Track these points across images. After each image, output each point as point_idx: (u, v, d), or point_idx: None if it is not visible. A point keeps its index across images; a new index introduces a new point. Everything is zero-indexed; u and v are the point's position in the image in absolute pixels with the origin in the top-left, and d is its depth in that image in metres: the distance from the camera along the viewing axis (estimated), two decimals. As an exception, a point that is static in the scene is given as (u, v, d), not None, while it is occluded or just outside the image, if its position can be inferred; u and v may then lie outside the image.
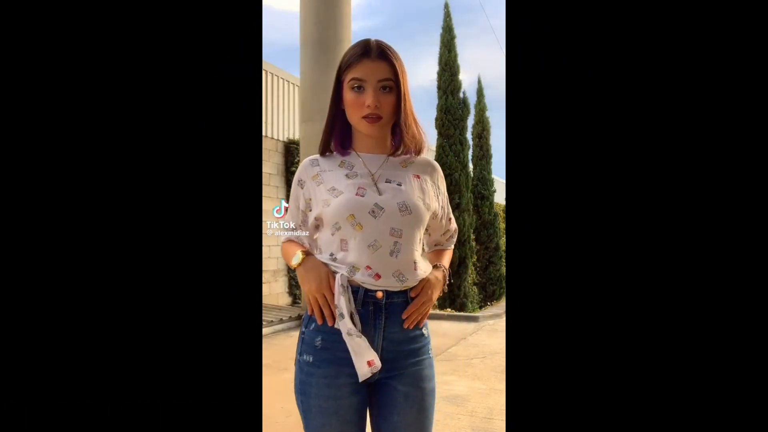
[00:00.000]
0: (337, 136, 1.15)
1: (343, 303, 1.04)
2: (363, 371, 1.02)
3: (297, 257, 1.11)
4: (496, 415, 2.87)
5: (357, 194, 1.07)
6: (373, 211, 1.05)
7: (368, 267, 1.05)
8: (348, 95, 1.08)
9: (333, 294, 1.05)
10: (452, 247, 1.32)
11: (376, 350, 1.05)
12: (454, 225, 1.30)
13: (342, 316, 1.03)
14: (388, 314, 1.07)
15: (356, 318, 1.05)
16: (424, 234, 1.19)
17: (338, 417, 1.05)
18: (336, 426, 1.05)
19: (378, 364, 1.03)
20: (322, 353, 1.07)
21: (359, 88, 1.06)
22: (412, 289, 1.11)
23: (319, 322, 1.07)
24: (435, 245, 1.30)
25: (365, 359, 1.02)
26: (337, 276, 1.06)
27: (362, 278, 1.06)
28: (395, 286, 1.07)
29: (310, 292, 1.07)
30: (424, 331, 1.14)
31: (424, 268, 1.14)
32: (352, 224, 1.06)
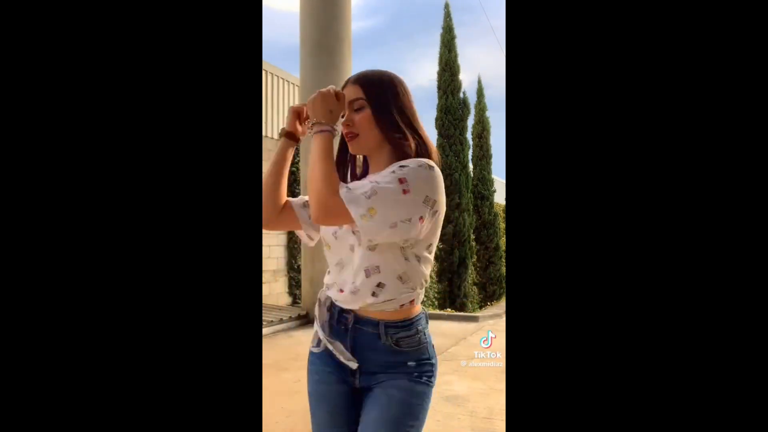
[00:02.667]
0: (340, 168, 1.19)
1: (317, 314, 1.17)
2: (347, 360, 1.12)
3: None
4: (496, 415, 2.86)
5: None
6: (335, 232, 1.14)
7: (335, 283, 1.16)
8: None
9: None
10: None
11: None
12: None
13: (318, 326, 1.17)
14: (354, 339, 1.12)
15: (325, 327, 1.15)
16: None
17: (327, 401, 1.16)
18: (325, 408, 1.16)
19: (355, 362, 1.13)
20: (320, 345, 1.18)
21: (343, 116, 1.14)
22: (390, 323, 1.10)
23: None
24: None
25: (345, 356, 1.12)
26: (320, 291, 1.19)
27: (334, 294, 1.16)
28: (352, 301, 1.11)
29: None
30: (412, 363, 1.10)
31: (387, 276, 1.07)
32: (325, 246, 1.19)
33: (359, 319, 1.12)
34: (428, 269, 1.13)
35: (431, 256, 1.14)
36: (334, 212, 1.00)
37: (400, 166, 1.03)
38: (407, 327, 1.11)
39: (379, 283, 1.08)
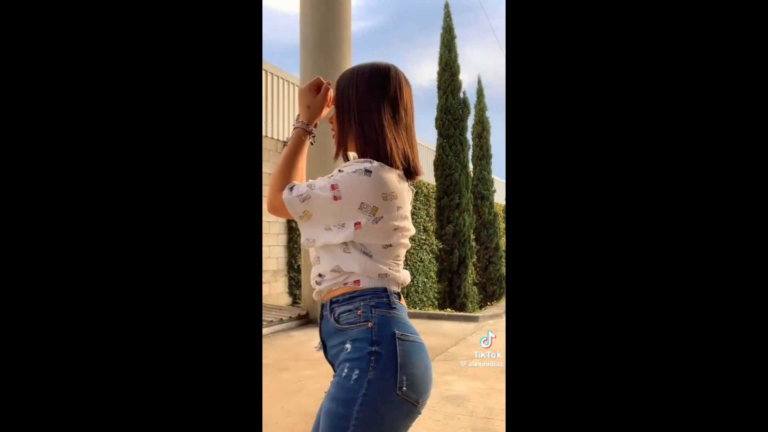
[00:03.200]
0: None
1: None
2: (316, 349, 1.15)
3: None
4: (496, 415, 2.86)
5: None
6: None
7: None
8: None
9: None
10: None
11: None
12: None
13: None
14: (320, 328, 1.11)
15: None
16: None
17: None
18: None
19: (319, 349, 1.13)
20: None
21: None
22: (334, 299, 1.06)
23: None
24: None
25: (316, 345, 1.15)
26: None
27: None
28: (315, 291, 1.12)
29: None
30: (348, 345, 1.01)
31: (324, 268, 1.05)
32: None
33: (321, 307, 1.11)
34: (386, 265, 1.04)
35: (396, 257, 1.06)
36: (278, 209, 1.04)
37: (339, 170, 1.00)
38: (348, 301, 1.03)
39: (320, 273, 1.06)
